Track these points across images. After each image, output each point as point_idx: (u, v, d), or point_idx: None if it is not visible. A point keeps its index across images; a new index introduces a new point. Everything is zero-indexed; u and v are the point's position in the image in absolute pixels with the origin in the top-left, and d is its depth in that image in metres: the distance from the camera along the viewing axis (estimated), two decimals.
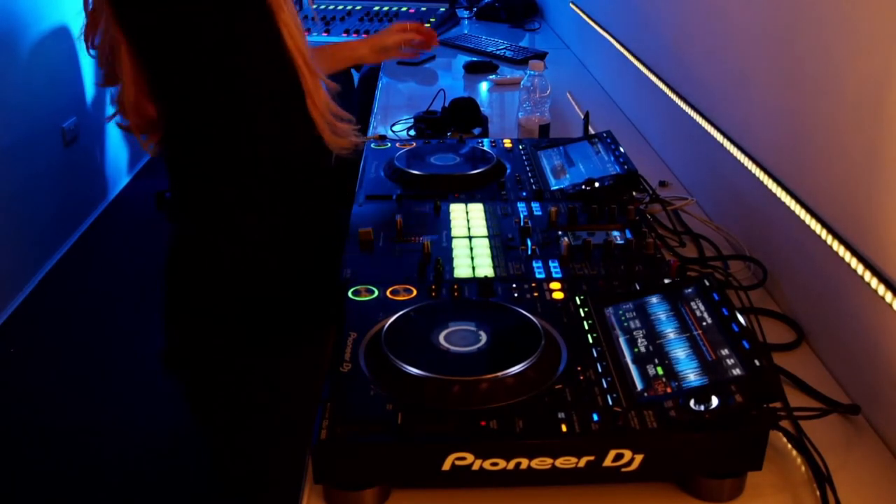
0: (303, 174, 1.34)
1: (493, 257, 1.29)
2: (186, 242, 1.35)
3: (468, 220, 1.42)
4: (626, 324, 1.08)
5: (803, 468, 0.99)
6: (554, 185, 1.58)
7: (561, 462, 0.89)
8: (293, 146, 1.30)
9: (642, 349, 1.02)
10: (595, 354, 1.02)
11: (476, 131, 2.03)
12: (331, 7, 3.60)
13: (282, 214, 1.33)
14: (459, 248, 1.32)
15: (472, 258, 1.29)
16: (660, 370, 0.97)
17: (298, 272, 1.36)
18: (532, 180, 1.60)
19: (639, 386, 0.96)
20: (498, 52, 3.01)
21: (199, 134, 1.26)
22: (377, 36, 2.01)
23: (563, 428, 0.90)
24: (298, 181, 1.34)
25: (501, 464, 0.89)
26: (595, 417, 0.91)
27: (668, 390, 0.94)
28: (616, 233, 1.36)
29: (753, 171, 1.40)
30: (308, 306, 1.38)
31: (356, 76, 3.46)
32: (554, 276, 1.24)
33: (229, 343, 1.34)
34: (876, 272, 1.03)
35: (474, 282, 1.21)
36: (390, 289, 1.18)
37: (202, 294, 1.33)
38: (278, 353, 1.37)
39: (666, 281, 1.18)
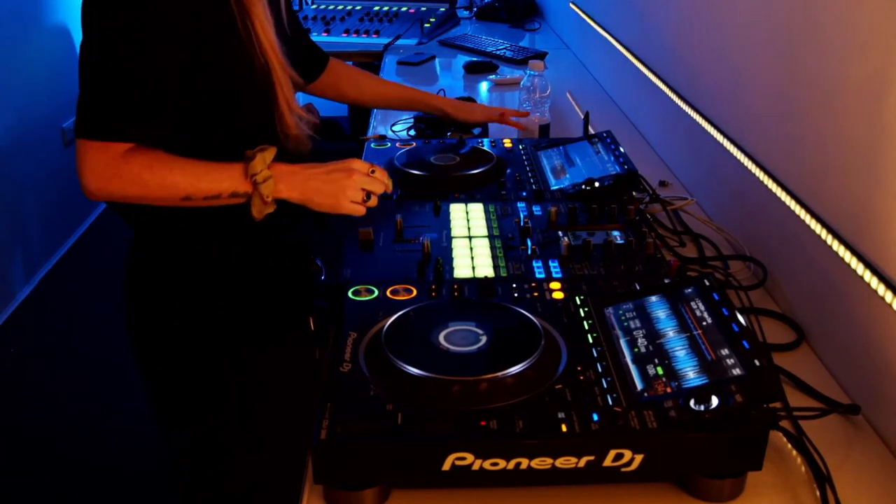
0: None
1: (493, 257, 1.29)
2: (144, 241, 1.32)
3: (468, 220, 1.42)
4: (626, 324, 1.08)
5: (803, 468, 0.99)
6: (554, 185, 1.58)
7: (561, 462, 0.89)
8: (253, 139, 1.23)
9: (642, 349, 1.02)
10: (595, 354, 1.02)
11: (476, 131, 2.03)
12: (331, 7, 3.60)
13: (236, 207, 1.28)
14: (459, 248, 1.32)
15: (472, 258, 1.29)
16: (660, 370, 0.97)
17: (262, 267, 1.34)
18: (532, 180, 1.60)
19: (639, 386, 0.96)
20: (498, 52, 3.01)
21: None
22: (466, 104, 1.91)
23: (563, 428, 0.90)
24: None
25: (501, 464, 0.89)
26: (595, 417, 0.91)
27: (668, 390, 0.94)
28: (616, 233, 1.36)
29: (753, 171, 1.40)
30: (276, 302, 1.37)
31: None
32: (554, 276, 1.24)
33: (195, 343, 1.32)
34: (876, 272, 1.03)
35: (474, 282, 1.21)
36: (390, 289, 1.18)
37: (161, 292, 1.31)
38: (249, 353, 1.35)
39: (666, 281, 1.18)
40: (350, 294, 1.17)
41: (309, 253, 1.48)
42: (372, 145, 1.77)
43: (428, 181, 1.57)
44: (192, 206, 1.19)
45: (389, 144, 1.78)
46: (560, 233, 1.36)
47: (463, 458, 0.88)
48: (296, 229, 1.41)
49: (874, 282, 1.03)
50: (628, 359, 1.01)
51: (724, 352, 0.96)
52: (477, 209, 1.46)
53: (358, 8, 3.58)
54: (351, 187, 1.24)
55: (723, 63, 1.59)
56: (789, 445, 1.02)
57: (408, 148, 1.72)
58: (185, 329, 1.31)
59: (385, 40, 3.26)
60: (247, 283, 1.32)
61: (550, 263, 1.27)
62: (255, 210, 1.20)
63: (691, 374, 0.95)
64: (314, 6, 3.65)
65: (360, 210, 1.26)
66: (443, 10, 3.55)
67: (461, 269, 1.26)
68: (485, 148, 1.73)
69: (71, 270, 3.56)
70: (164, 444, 1.51)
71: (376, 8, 3.56)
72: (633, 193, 1.50)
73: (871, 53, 1.05)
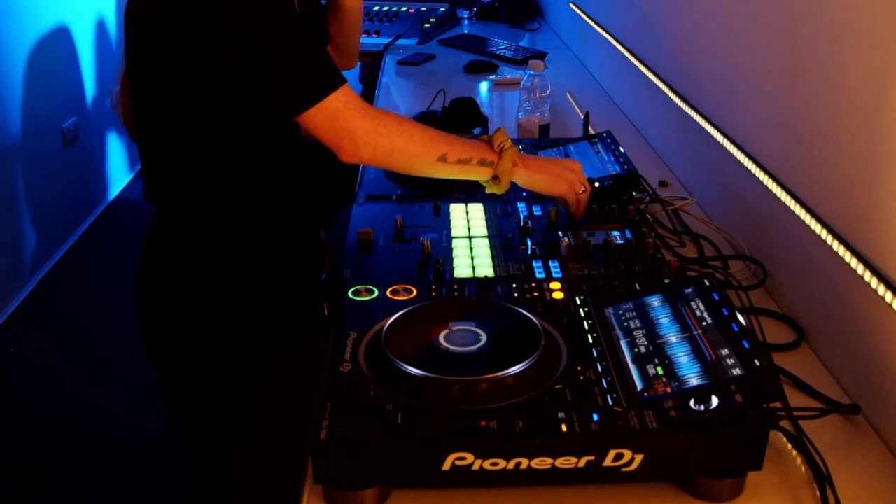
0: (271, 156, 1.29)
1: (493, 257, 1.29)
2: (156, 237, 1.32)
3: (468, 220, 1.42)
4: (626, 324, 1.08)
5: (803, 468, 0.99)
6: None
7: (561, 462, 0.89)
8: (264, 123, 1.24)
9: (642, 349, 1.02)
10: (595, 354, 1.02)
11: (476, 131, 2.03)
12: None
13: (250, 204, 1.30)
14: (459, 248, 1.32)
15: (472, 258, 1.29)
16: (660, 370, 0.97)
17: (270, 268, 1.34)
18: None
19: (639, 386, 0.96)
20: (498, 52, 3.01)
21: (174, 118, 1.22)
22: None
23: (563, 428, 0.90)
24: (266, 165, 1.29)
25: (501, 464, 0.89)
26: (595, 417, 0.91)
27: (668, 390, 0.94)
28: (616, 233, 1.36)
29: (753, 171, 1.40)
30: (284, 304, 1.37)
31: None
32: (554, 276, 1.24)
33: (203, 342, 1.32)
34: (876, 272, 1.03)
35: (474, 282, 1.21)
36: (390, 289, 1.18)
37: (172, 291, 1.31)
38: (257, 355, 1.35)
39: (666, 281, 1.18)
40: (350, 294, 1.17)
41: (318, 254, 1.48)
42: None
43: (428, 181, 1.56)
44: (436, 173, 1.26)
45: None
46: (560, 233, 1.36)
47: (463, 458, 0.88)
48: (305, 230, 1.42)
49: (874, 282, 1.03)
50: (628, 359, 1.01)
51: (724, 352, 0.96)
52: (477, 209, 1.46)
53: None
54: (575, 171, 1.36)
55: (723, 63, 1.59)
56: (789, 445, 1.02)
57: None
58: (196, 328, 1.31)
59: (385, 40, 3.25)
60: (255, 282, 1.33)
61: (550, 263, 1.27)
62: (503, 179, 1.27)
63: (691, 374, 0.95)
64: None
65: (574, 198, 1.35)
66: (443, 10, 3.55)
67: (461, 269, 1.26)
68: None
69: (71, 271, 3.56)
70: (171, 441, 1.51)
71: (376, 8, 3.56)
72: (633, 193, 1.50)
73: (872, 53, 1.05)
